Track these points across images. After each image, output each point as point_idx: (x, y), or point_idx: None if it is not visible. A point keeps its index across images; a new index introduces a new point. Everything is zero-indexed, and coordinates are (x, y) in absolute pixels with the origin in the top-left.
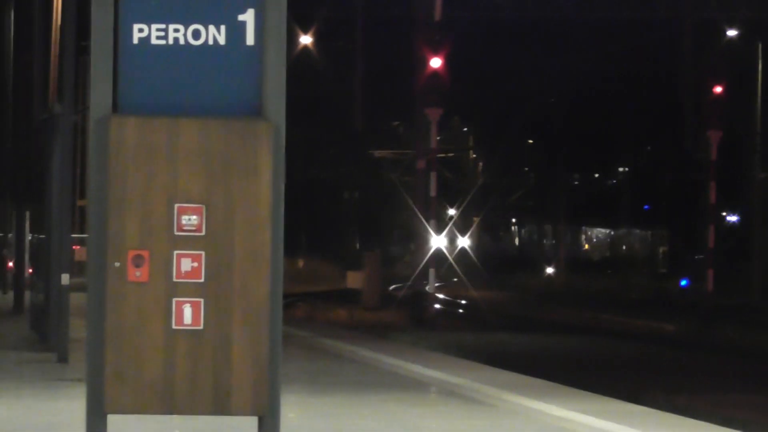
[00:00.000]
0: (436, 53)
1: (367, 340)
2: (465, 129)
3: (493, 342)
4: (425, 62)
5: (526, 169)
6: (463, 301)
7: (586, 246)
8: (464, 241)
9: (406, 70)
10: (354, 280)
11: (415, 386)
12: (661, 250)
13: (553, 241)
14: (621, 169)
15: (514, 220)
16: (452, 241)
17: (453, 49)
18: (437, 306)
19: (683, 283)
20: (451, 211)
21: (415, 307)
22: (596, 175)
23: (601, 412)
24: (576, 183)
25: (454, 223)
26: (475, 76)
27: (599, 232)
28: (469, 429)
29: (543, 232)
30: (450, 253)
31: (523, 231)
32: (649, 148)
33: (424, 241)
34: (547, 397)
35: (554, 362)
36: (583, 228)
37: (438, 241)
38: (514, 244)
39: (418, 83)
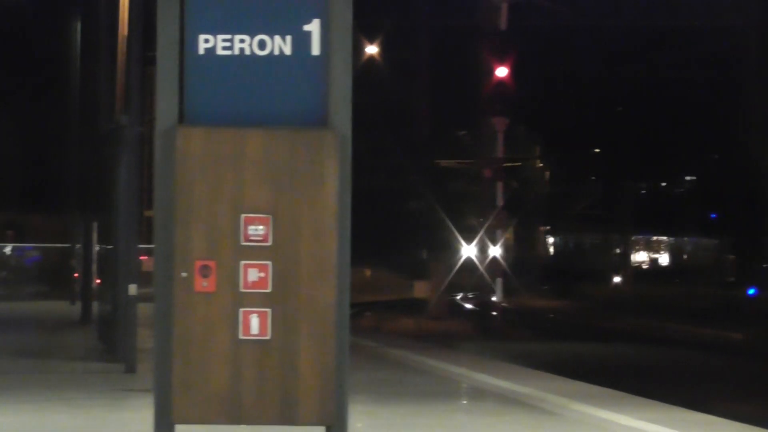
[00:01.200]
0: (502, 62)
1: (434, 349)
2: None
3: (560, 351)
4: (491, 71)
5: (593, 178)
6: (530, 311)
7: (653, 255)
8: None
9: (472, 79)
10: (421, 289)
11: (482, 396)
12: (728, 258)
13: (620, 250)
14: (687, 178)
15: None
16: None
17: (519, 57)
18: (504, 315)
19: (751, 291)
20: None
21: (482, 317)
22: (663, 184)
23: (669, 422)
24: (643, 192)
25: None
26: (541, 85)
27: (666, 241)
28: None
29: (609, 241)
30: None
31: (588, 240)
32: (716, 156)
33: (488, 251)
34: (615, 407)
35: (622, 371)
36: (650, 237)
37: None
38: (580, 253)
39: (484, 92)
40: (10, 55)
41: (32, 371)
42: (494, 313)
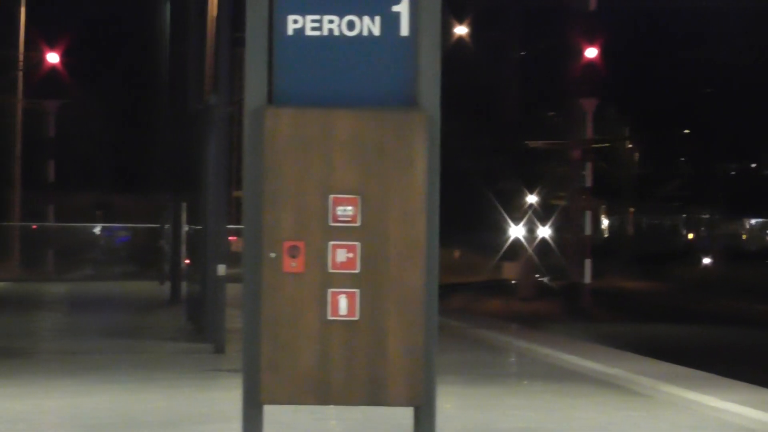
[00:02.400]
0: (591, 43)
1: (523, 330)
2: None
3: (649, 333)
4: (580, 52)
5: (682, 159)
6: (619, 292)
7: (744, 236)
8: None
9: (561, 60)
10: (509, 270)
11: (571, 377)
12: None
13: (709, 232)
14: None
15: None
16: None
17: (609, 38)
18: (593, 297)
19: None
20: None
21: (570, 298)
22: (753, 165)
23: (758, 403)
24: (732, 173)
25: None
26: (631, 66)
27: (756, 223)
28: (625, 420)
29: (698, 223)
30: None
31: (677, 221)
32: None
33: (578, 232)
34: (704, 388)
35: (710, 353)
36: (740, 218)
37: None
38: (668, 234)
39: (573, 73)
40: (100, 37)
41: (122, 351)
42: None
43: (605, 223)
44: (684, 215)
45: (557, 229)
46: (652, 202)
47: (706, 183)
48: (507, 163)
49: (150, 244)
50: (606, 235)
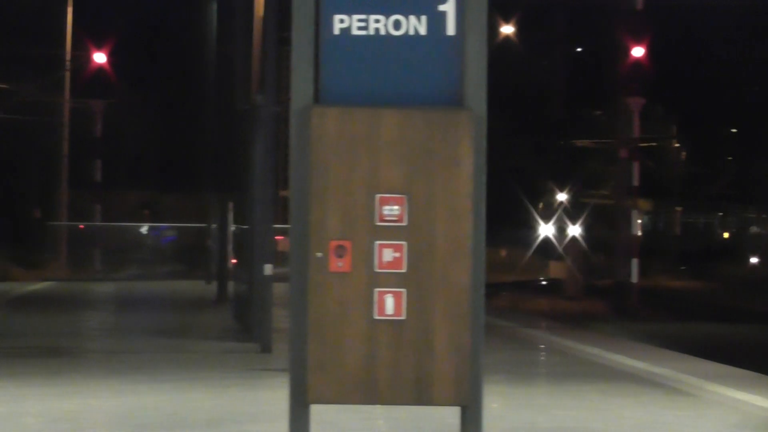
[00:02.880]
0: (638, 42)
1: (570, 330)
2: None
3: (696, 332)
4: (627, 51)
5: (729, 158)
6: (666, 291)
7: None
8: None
9: (608, 59)
10: (557, 270)
11: (618, 376)
12: None
13: (756, 231)
14: None
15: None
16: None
17: (656, 37)
18: (639, 296)
19: None
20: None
21: (617, 297)
22: None
23: None
24: None
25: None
26: (678, 64)
27: None
28: (672, 419)
29: (745, 222)
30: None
31: (724, 220)
32: None
33: (625, 231)
34: (751, 388)
35: (758, 352)
36: None
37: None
38: (716, 233)
39: (620, 72)
40: (147, 37)
41: (169, 351)
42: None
43: (639, 222)
44: (720, 214)
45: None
46: (698, 201)
47: (753, 182)
48: (553, 162)
49: (197, 243)
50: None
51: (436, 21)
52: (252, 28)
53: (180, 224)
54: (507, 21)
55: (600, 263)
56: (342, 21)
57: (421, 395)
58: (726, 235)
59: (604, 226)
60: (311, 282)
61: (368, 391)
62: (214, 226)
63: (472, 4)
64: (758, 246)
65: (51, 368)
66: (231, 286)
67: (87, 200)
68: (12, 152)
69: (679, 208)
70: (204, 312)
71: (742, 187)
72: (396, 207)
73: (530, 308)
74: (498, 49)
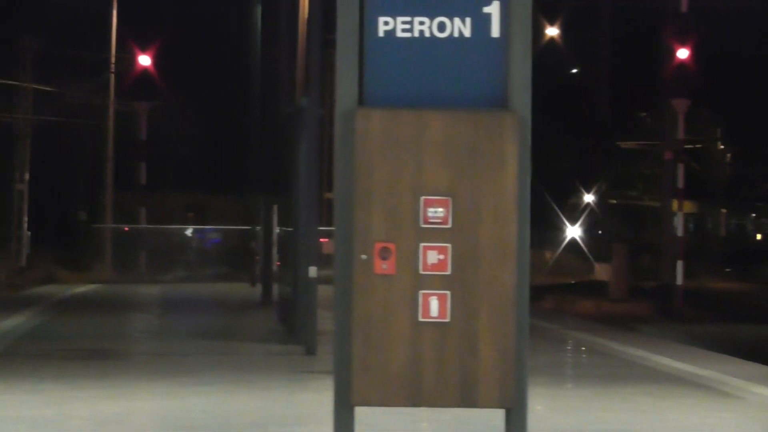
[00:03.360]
0: (683, 44)
1: (615, 332)
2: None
3: (741, 334)
4: (672, 53)
5: None
6: (711, 293)
7: None
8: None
9: (653, 61)
10: (602, 271)
11: (663, 378)
12: None
13: None
14: None
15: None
16: (698, 232)
17: (700, 39)
18: (684, 298)
19: None
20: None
21: (663, 299)
22: None
23: None
24: None
25: (699, 215)
26: (723, 66)
27: None
28: (718, 422)
29: None
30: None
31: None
32: None
33: (670, 233)
34: None
35: None
36: None
37: (681, 233)
38: (761, 235)
39: (665, 74)
40: (192, 40)
41: (213, 353)
42: (673, 295)
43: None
44: (753, 215)
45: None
46: (744, 203)
47: None
48: (598, 164)
49: (241, 245)
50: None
51: (481, 23)
52: (297, 30)
53: (225, 227)
54: (552, 23)
55: (645, 265)
56: (386, 23)
57: (466, 397)
58: (752, 235)
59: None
60: (356, 284)
61: (413, 393)
62: (258, 228)
63: (516, 6)
64: None
65: (97, 371)
66: (275, 288)
67: (132, 203)
68: (58, 155)
69: (724, 210)
70: (249, 314)
71: None
72: (441, 209)
73: (575, 310)
74: (543, 50)
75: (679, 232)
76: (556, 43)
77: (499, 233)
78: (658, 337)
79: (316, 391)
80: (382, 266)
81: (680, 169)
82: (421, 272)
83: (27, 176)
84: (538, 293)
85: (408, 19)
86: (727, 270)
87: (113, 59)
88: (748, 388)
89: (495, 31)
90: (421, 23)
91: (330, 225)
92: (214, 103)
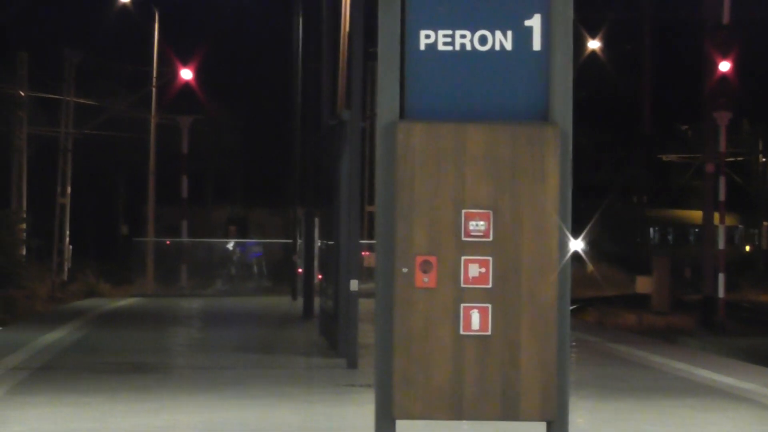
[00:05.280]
0: (724, 57)
1: (657, 344)
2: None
3: None
4: (714, 66)
5: None
6: (754, 306)
7: None
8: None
9: (694, 73)
10: (643, 284)
11: (705, 391)
12: None
13: None
14: None
15: None
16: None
17: (743, 51)
18: (727, 310)
19: None
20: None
21: (705, 312)
22: None
23: None
24: None
25: (742, 228)
26: (765, 79)
27: None
28: None
29: None
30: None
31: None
32: None
33: (711, 245)
34: None
35: None
36: None
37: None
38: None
39: (706, 87)
40: (233, 53)
41: (255, 366)
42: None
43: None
44: None
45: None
46: None
47: None
48: (641, 177)
49: (283, 259)
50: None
51: (522, 36)
52: (339, 43)
53: (266, 240)
54: (593, 36)
55: (686, 278)
56: (428, 36)
57: (507, 410)
58: None
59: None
60: (397, 297)
61: (454, 406)
62: (300, 241)
63: (557, 20)
64: None
65: (138, 384)
66: (317, 301)
67: (174, 216)
68: (100, 168)
69: (766, 223)
70: (290, 328)
71: None
72: (482, 222)
73: (617, 323)
74: (584, 64)
75: (721, 245)
76: (598, 56)
77: (541, 246)
78: (700, 350)
79: (357, 405)
80: (424, 279)
81: (722, 182)
82: (463, 285)
83: (69, 190)
84: (579, 306)
85: (449, 32)
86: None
87: (155, 73)
88: None
89: (536, 44)
90: (463, 36)
91: (372, 238)
92: (255, 117)
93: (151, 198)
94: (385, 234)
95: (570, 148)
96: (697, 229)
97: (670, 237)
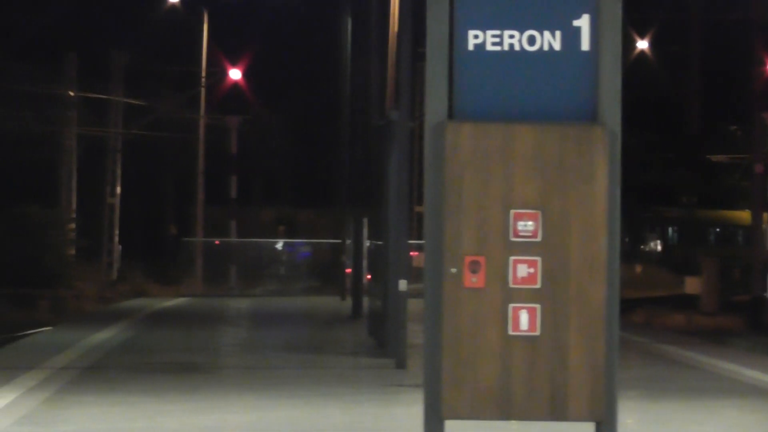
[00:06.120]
0: None
1: (705, 345)
2: None
3: None
4: (762, 65)
5: None
6: None
7: None
8: None
9: (743, 74)
10: (692, 285)
11: (753, 392)
12: None
13: None
14: None
15: None
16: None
17: None
18: None
19: None
20: None
21: (754, 312)
22: None
23: None
24: None
25: None
26: None
27: None
28: None
29: None
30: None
31: None
32: None
33: (761, 245)
34: None
35: None
36: None
37: None
38: None
39: (755, 86)
40: (281, 53)
41: (304, 366)
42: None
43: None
44: None
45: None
46: None
47: None
48: (689, 177)
49: (332, 259)
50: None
51: (571, 36)
52: (387, 43)
53: (315, 240)
54: (642, 36)
55: (735, 278)
56: (476, 37)
57: (556, 411)
58: None
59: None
60: (446, 298)
61: (503, 406)
62: (348, 242)
63: (606, 20)
64: None
65: (187, 384)
66: (366, 301)
67: (222, 216)
68: (148, 169)
69: None
70: (339, 328)
71: None
72: (530, 222)
73: (665, 323)
74: (633, 63)
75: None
76: (646, 56)
77: (589, 247)
78: (748, 351)
79: (406, 405)
80: (472, 279)
81: None
82: (511, 285)
83: (118, 190)
84: (628, 306)
85: (498, 32)
86: None
87: (204, 73)
88: None
89: (585, 45)
90: (511, 37)
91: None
92: (303, 117)
93: (199, 198)
94: (433, 234)
95: (618, 148)
96: (745, 230)
97: (716, 238)
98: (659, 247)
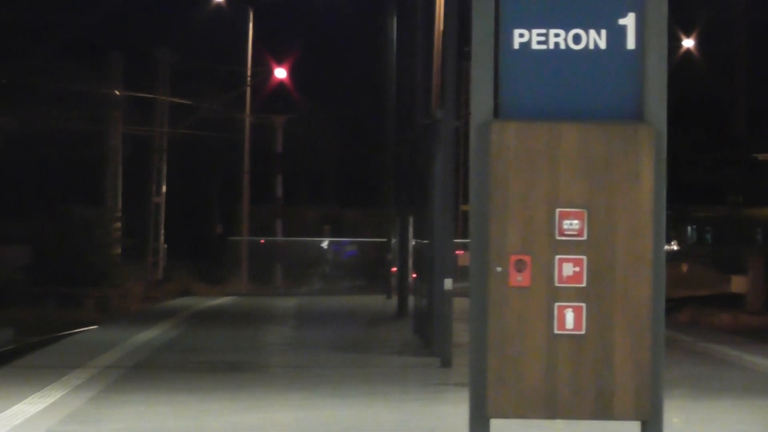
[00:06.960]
0: None
1: (752, 344)
2: None
3: None
4: None
5: None
6: None
7: None
8: None
9: None
10: (738, 284)
11: None
12: None
13: None
14: None
15: None
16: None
17: None
18: None
19: None
20: None
21: None
22: None
23: None
24: None
25: None
26: None
27: None
28: None
29: None
30: None
31: None
32: None
33: None
34: None
35: None
36: None
37: None
38: None
39: None
40: (327, 52)
41: (349, 365)
42: None
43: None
44: None
45: None
46: None
47: None
48: (736, 176)
49: (377, 258)
50: None
51: (616, 35)
52: (432, 42)
53: (361, 239)
54: (688, 34)
55: None
56: (522, 35)
57: (601, 410)
58: None
59: None
60: (491, 296)
61: (549, 405)
62: (394, 240)
63: (652, 18)
64: None
65: (233, 383)
66: (411, 300)
67: (268, 215)
68: (194, 168)
69: None
70: (384, 326)
71: None
72: (576, 221)
73: (711, 322)
74: (678, 62)
75: None
76: (692, 55)
77: (635, 245)
78: None
79: (451, 404)
80: (518, 278)
81: None
82: (557, 284)
83: (164, 189)
84: (673, 305)
85: (543, 31)
86: None
87: (249, 72)
88: None
89: (630, 43)
90: (557, 35)
91: (466, 237)
92: (349, 116)
93: (245, 197)
94: (478, 233)
95: (664, 147)
96: None
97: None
98: (704, 246)
